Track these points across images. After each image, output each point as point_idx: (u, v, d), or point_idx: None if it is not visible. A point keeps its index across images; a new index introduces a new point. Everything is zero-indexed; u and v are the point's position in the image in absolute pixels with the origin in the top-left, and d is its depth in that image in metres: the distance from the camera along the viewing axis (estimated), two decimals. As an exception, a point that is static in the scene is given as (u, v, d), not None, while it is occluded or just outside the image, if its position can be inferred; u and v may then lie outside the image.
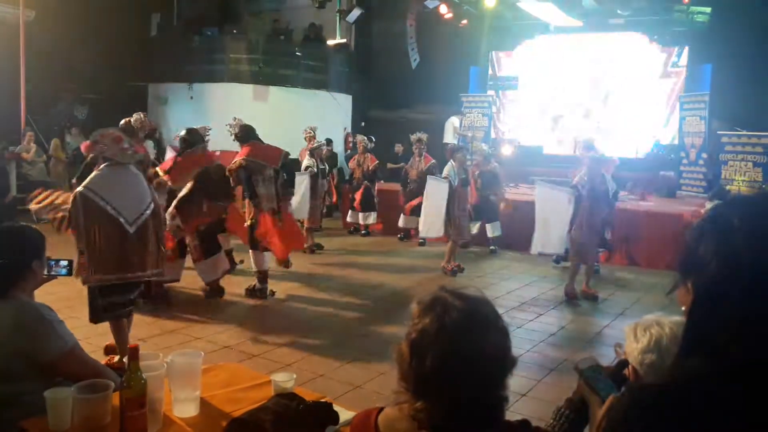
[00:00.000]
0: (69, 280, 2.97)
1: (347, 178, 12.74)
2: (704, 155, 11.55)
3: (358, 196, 10.86)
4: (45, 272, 2.51)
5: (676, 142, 12.82)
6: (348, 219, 11.17)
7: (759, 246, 0.93)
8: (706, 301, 0.97)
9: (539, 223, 7.57)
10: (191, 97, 14.57)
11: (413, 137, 10.34)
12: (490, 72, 15.22)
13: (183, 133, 6.47)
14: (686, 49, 13.03)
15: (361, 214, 10.92)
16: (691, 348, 0.99)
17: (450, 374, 1.30)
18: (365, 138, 11.16)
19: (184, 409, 2.07)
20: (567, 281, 7.17)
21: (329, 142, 12.06)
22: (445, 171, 8.27)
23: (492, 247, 9.88)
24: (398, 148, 12.65)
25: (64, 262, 2.69)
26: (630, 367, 1.75)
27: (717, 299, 0.95)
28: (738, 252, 0.94)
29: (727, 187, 10.38)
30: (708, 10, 11.41)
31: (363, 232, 11.04)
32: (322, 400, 1.95)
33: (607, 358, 2.06)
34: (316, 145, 9.80)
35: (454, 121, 14.00)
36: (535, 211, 7.65)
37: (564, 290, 7.13)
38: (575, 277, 7.13)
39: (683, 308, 1.01)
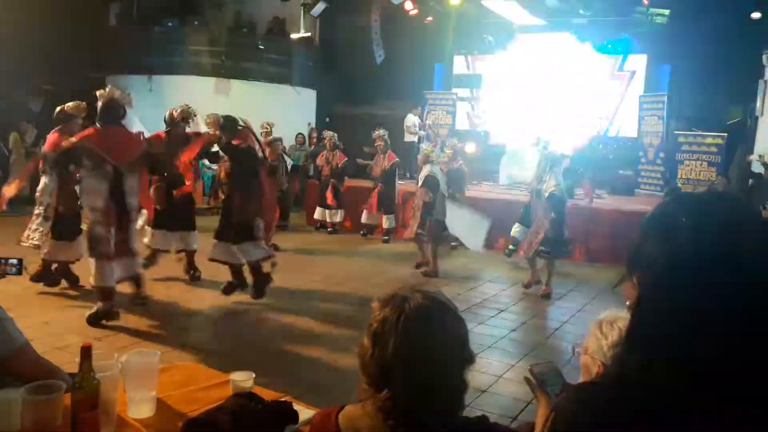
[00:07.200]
0: (18, 278, 2.87)
1: (310, 174, 12.62)
2: (662, 154, 11.80)
3: (329, 194, 10.75)
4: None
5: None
6: (315, 216, 11.06)
7: (703, 243, 0.94)
8: (652, 296, 0.97)
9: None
10: (150, 89, 14.28)
11: (374, 134, 10.26)
12: (454, 71, 15.27)
13: None
14: (630, 56, 13.60)
15: (328, 212, 10.84)
16: (635, 344, 0.99)
17: (411, 358, 1.32)
18: (334, 135, 10.97)
19: (140, 410, 2.01)
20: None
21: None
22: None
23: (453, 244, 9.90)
24: (369, 149, 12.35)
25: (13, 261, 2.60)
26: (599, 363, 1.75)
27: (662, 295, 0.95)
28: (683, 249, 0.95)
29: (680, 185, 10.65)
30: (667, 12, 11.63)
31: (330, 229, 10.96)
32: (282, 399, 1.93)
33: (567, 353, 2.07)
34: (270, 139, 9.20)
35: (409, 119, 13.54)
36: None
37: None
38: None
39: (627, 303, 1.02)
